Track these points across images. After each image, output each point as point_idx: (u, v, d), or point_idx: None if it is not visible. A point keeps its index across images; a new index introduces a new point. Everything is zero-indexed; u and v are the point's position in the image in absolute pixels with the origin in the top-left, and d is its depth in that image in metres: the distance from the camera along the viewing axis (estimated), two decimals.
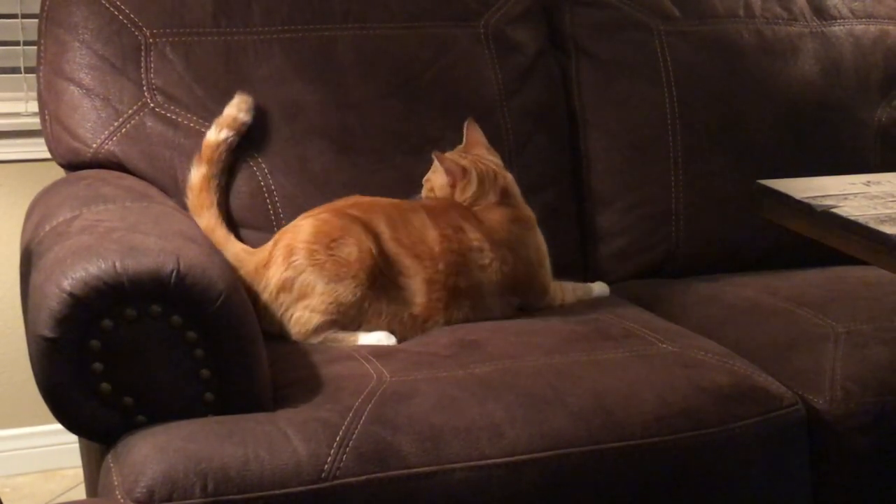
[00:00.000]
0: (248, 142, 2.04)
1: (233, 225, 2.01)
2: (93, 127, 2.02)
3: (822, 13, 2.51)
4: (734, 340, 1.91)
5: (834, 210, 1.52)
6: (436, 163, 2.00)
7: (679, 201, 2.31)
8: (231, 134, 1.98)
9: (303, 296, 1.82)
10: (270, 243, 1.89)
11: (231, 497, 1.42)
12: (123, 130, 2.02)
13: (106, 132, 2.02)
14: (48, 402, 1.49)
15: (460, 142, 2.10)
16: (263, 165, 2.04)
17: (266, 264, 1.85)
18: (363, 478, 1.49)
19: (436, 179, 2.02)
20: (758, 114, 2.39)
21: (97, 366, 1.48)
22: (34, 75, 2.11)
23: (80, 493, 2.46)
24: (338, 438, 1.50)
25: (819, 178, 1.73)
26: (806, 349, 1.87)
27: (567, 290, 2.07)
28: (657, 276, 2.31)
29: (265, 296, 1.84)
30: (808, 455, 1.72)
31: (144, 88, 2.03)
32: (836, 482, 1.77)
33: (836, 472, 1.76)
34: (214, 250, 1.65)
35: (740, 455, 1.66)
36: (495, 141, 2.20)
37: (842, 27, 2.52)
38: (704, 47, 2.39)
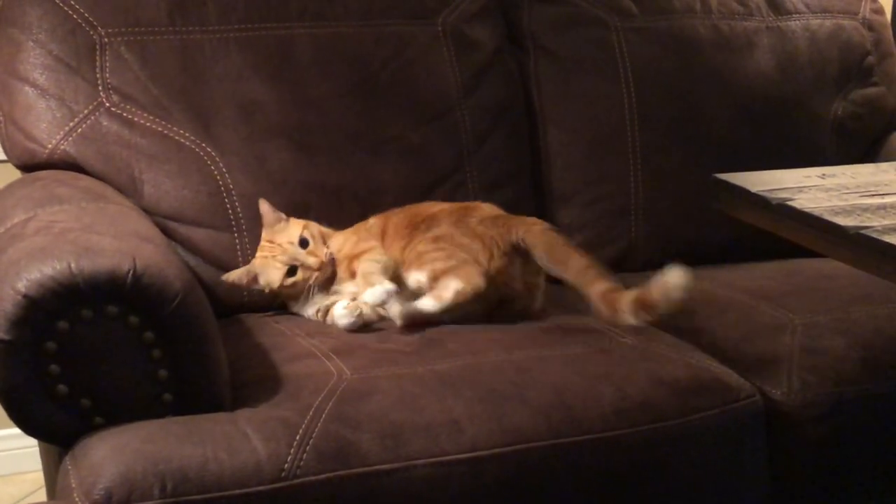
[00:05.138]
0: (206, 141, 2.03)
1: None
2: (48, 127, 2.00)
3: (777, 8, 2.53)
4: (693, 334, 1.92)
5: (789, 202, 1.53)
6: None
7: (638, 196, 2.32)
8: None
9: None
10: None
11: (190, 498, 1.41)
12: (79, 130, 2.00)
13: (61, 132, 2.00)
14: (4, 405, 1.48)
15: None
16: (221, 165, 2.03)
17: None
18: (323, 476, 1.48)
19: None
20: (715, 108, 2.40)
21: (54, 368, 1.46)
22: None
23: (42, 496, 2.44)
24: (298, 437, 1.50)
25: (775, 171, 1.74)
26: (764, 341, 1.88)
27: None
28: (617, 271, 2.28)
29: None
30: (766, 445, 1.74)
31: (100, 88, 2.02)
32: (794, 472, 1.78)
33: (793, 462, 1.77)
34: (171, 250, 1.63)
35: (699, 447, 1.67)
36: (453, 139, 2.21)
37: (798, 22, 2.54)
38: (661, 43, 2.40)
